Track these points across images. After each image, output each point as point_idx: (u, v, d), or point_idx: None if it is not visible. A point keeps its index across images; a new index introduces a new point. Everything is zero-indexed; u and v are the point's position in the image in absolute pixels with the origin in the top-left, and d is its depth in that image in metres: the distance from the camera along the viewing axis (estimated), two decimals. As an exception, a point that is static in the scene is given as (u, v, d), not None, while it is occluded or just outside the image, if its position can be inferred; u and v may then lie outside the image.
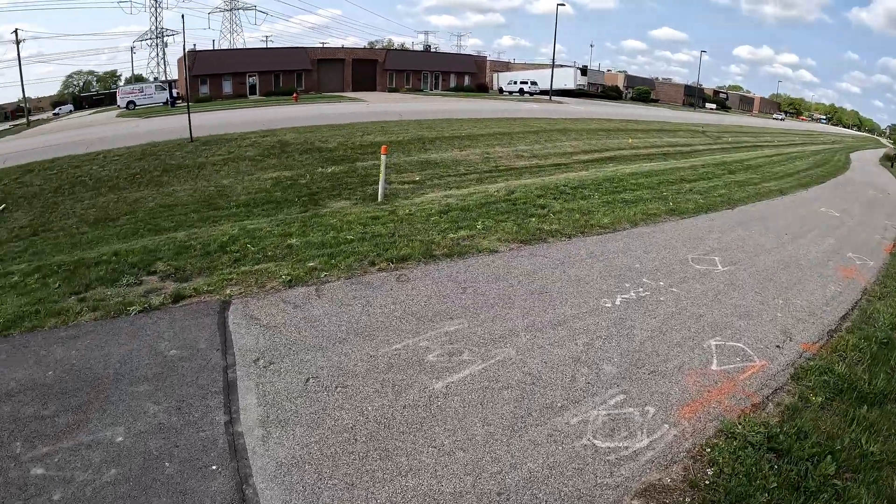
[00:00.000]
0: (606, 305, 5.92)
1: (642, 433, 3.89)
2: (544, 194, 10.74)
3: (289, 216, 9.93)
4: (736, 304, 6.31)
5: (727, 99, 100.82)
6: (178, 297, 6.09)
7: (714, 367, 4.85)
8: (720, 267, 7.49)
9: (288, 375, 4.54)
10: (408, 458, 3.64)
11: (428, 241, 7.65)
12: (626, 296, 6.19)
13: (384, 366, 4.66)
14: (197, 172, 15.41)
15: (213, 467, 3.52)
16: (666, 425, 3.99)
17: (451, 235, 7.90)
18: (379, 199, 10.71)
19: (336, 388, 4.37)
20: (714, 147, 27.33)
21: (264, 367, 4.66)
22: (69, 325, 5.62)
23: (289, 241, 7.84)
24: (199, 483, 3.39)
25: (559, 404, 4.21)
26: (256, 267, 6.90)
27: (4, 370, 4.79)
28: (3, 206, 13.61)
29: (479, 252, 7.32)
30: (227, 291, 6.20)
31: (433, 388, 4.35)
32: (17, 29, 59.85)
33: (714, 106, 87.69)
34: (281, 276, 6.52)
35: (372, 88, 65.21)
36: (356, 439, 3.79)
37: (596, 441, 3.79)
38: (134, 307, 5.86)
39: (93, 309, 5.90)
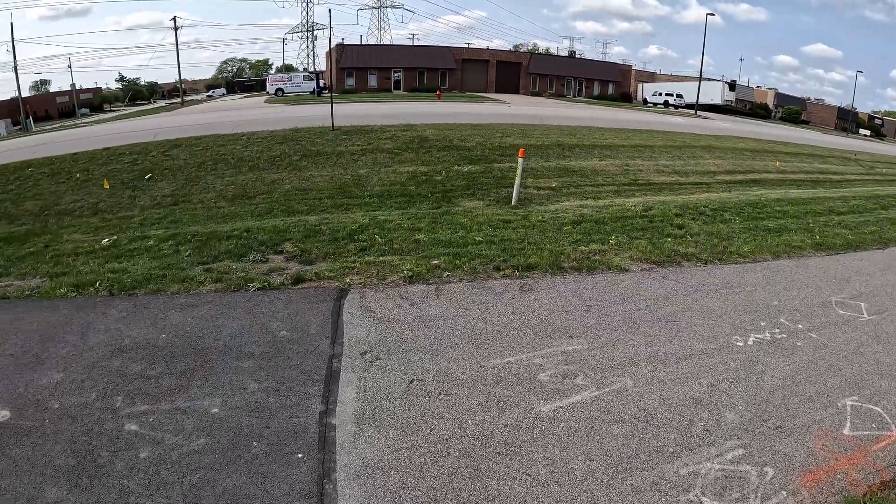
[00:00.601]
0: (738, 344, 5.89)
1: (756, 497, 3.76)
2: (683, 214, 11.03)
3: (420, 211, 10.86)
4: (879, 359, 5.91)
5: (882, 125, 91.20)
6: (298, 280, 6.93)
7: (846, 431, 4.63)
8: (865, 315, 7.13)
9: (392, 374, 4.86)
10: (499, 482, 3.72)
11: (557, 251, 8.02)
12: (759, 336, 6.14)
13: (493, 378, 4.85)
14: (335, 160, 17.16)
15: (299, 455, 3.86)
16: (784, 492, 3.84)
17: (583, 248, 8.25)
18: (513, 203, 11.44)
19: (439, 394, 4.60)
20: (866, 178, 25.43)
21: (370, 361, 5.05)
22: (190, 292, 6.61)
23: (417, 236, 8.56)
24: (282, 469, 3.74)
25: (671, 450, 4.13)
26: (380, 258, 7.58)
27: (122, 327, 5.74)
28: (149, 175, 16.22)
29: (609, 269, 7.60)
30: (347, 280, 6.88)
31: (540, 411, 4.45)
32: (175, 16, 76.53)
33: (868, 132, 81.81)
34: (403, 270, 7.11)
35: (515, 91, 70.33)
36: (449, 452, 3.94)
37: (704, 499, 3.69)
38: (254, 284, 6.78)
39: (215, 280, 6.89)
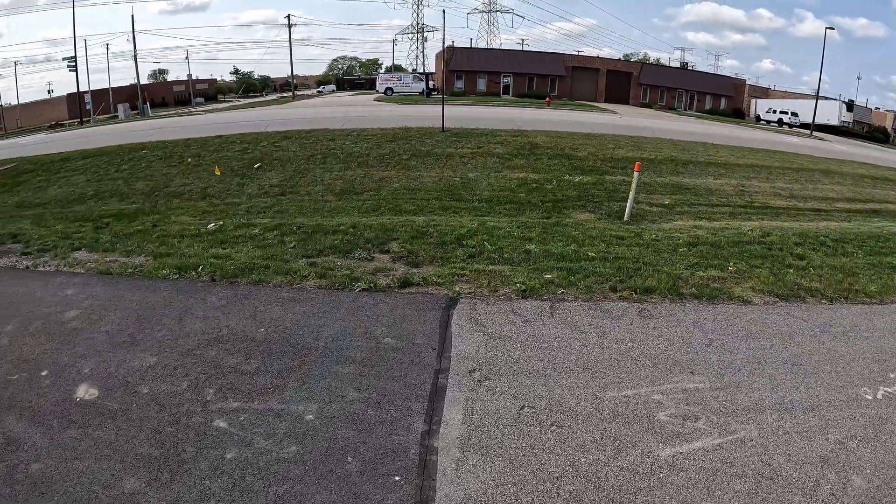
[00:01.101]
0: (866, 397, 5.37)
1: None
2: (802, 242, 10.45)
3: (530, 220, 10.64)
4: None
5: None
6: (405, 283, 6.75)
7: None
8: None
9: (502, 397, 4.57)
10: (615, 535, 3.35)
11: (675, 275, 7.68)
12: (889, 389, 5.58)
13: (609, 413, 4.51)
14: (444, 161, 17.33)
15: (396, 478, 3.62)
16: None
17: (700, 274, 7.90)
18: (625, 218, 11.21)
19: (551, 425, 4.27)
20: None
21: (479, 381, 4.77)
22: (293, 286, 6.60)
23: (527, 246, 8.32)
24: (377, 491, 3.50)
25: (794, 513, 3.70)
26: (490, 267, 7.34)
27: (220, 315, 5.77)
28: (258, 164, 16.89)
29: (731, 299, 7.21)
30: (457, 288, 6.65)
31: (658, 455, 4.10)
32: (289, 14, 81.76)
33: None
34: (515, 283, 6.83)
35: (624, 101, 70.65)
36: (558, 493, 3.62)
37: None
38: (359, 284, 6.66)
39: (319, 276, 6.86)
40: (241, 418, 4.19)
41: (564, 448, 4.07)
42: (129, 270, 7.45)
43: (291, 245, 8.07)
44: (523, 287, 6.76)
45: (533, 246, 8.39)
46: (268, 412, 4.26)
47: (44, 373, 5.26)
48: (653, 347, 5.66)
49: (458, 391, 4.63)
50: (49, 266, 8.10)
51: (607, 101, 69.15)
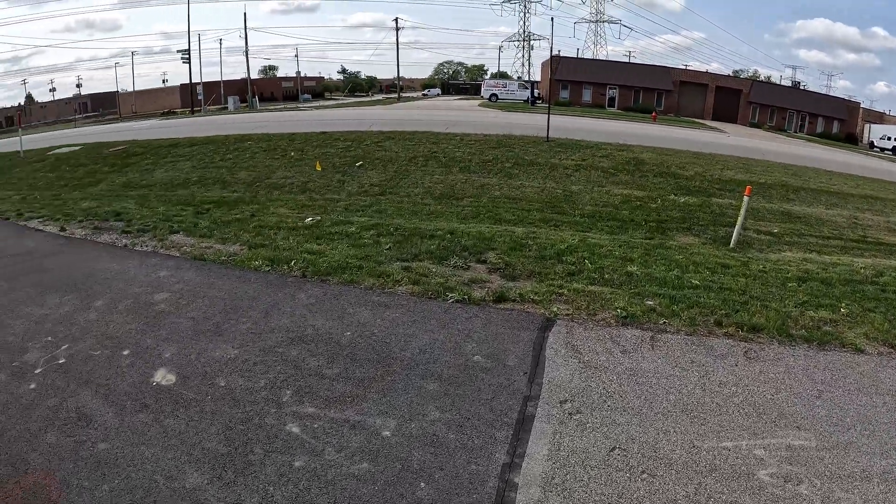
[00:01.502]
0: None
1: None
2: None
3: (632, 239, 10.29)
4: None
5: None
6: (500, 298, 6.51)
7: None
8: None
9: (592, 435, 4.27)
10: None
11: (784, 313, 7.14)
12: None
13: (706, 465, 4.15)
14: (547, 172, 17.19)
15: None
16: None
17: (811, 314, 7.29)
18: (731, 245, 10.81)
19: (642, 473, 3.95)
20: None
21: (569, 413, 4.48)
22: (385, 290, 6.53)
23: (629, 268, 7.97)
24: None
25: None
26: (590, 288, 7.02)
27: (307, 314, 5.76)
28: (359, 163, 17.24)
29: (843, 346, 6.56)
30: (554, 308, 6.36)
31: None
32: (397, 18, 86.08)
33: None
34: (616, 307, 6.49)
35: (732, 120, 68.17)
36: None
37: None
38: (453, 294, 6.48)
39: (413, 282, 6.75)
40: (315, 425, 4.09)
41: (654, 501, 3.76)
42: (223, 258, 7.60)
43: (387, 246, 8.05)
44: (624, 313, 6.42)
45: (635, 268, 8.06)
46: (343, 422, 4.14)
47: (125, 352, 5.39)
48: (758, 394, 5.25)
49: (546, 423, 4.37)
50: (146, 246, 8.39)
51: (715, 118, 67.52)
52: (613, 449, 4.18)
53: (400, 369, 4.89)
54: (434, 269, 7.21)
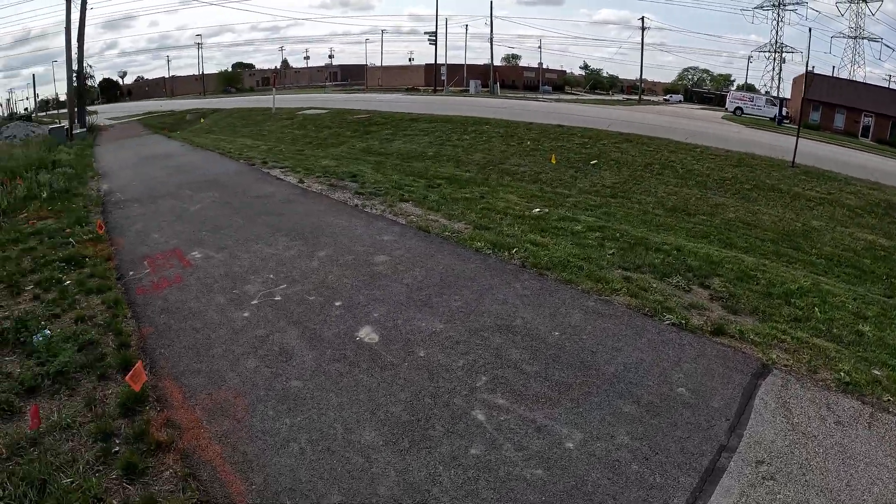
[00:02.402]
0: None
1: None
2: None
3: (869, 293, 8.98)
4: None
5: None
6: (718, 330, 5.95)
7: None
8: None
9: (778, 507, 3.77)
10: None
11: None
12: None
13: None
14: (788, 201, 15.99)
15: None
16: None
17: None
18: None
19: None
20: None
21: (763, 477, 4.00)
22: (601, 297, 6.31)
23: (860, 327, 6.87)
24: None
25: None
26: (815, 340, 6.13)
27: (520, 304, 5.77)
28: (594, 161, 17.12)
29: None
30: (773, 355, 5.65)
31: None
32: (643, 17, 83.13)
33: None
34: (839, 370, 5.58)
35: None
36: None
37: None
38: (670, 316, 6.02)
39: (631, 294, 6.44)
40: (501, 418, 4.07)
41: None
42: (447, 233, 7.82)
43: (611, 252, 7.82)
44: (847, 378, 5.50)
45: (867, 327, 6.88)
46: (530, 422, 4.07)
47: (337, 303, 5.76)
48: None
49: (735, 480, 3.94)
50: (375, 209, 8.90)
51: None
52: (797, 530, 3.66)
53: (600, 382, 4.70)
54: (655, 285, 6.84)
